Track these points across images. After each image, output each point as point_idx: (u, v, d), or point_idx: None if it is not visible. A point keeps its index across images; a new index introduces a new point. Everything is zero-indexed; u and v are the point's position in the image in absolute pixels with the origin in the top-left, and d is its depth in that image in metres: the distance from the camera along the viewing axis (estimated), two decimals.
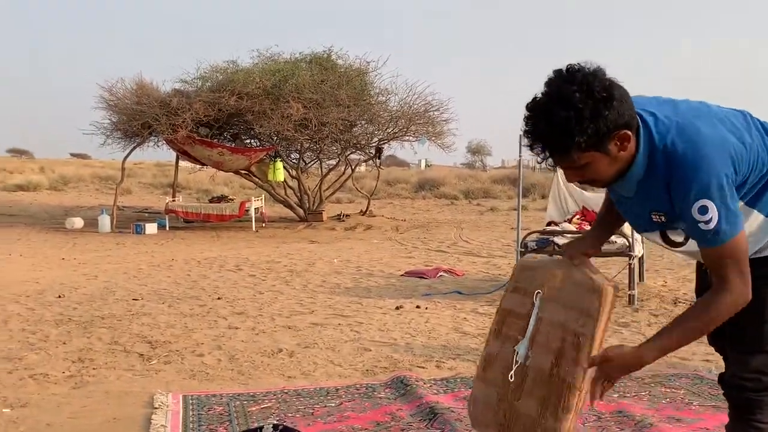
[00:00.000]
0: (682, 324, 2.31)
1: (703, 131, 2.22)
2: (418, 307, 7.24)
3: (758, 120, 2.45)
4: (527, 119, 2.20)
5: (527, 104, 2.20)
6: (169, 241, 14.19)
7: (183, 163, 19.14)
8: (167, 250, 12.57)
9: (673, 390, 4.44)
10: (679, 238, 2.42)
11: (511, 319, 2.67)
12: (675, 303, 7.34)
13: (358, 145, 18.69)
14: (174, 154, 18.28)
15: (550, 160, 2.25)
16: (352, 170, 20.07)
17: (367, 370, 4.95)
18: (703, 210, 2.15)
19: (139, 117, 16.16)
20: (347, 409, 4.05)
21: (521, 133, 2.24)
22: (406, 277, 9.48)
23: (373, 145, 18.74)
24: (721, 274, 2.24)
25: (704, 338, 2.76)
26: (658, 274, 9.32)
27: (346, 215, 18.51)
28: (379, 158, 19.54)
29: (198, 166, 18.92)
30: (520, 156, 8.18)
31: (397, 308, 7.16)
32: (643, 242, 8.10)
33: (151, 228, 15.83)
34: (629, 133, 2.18)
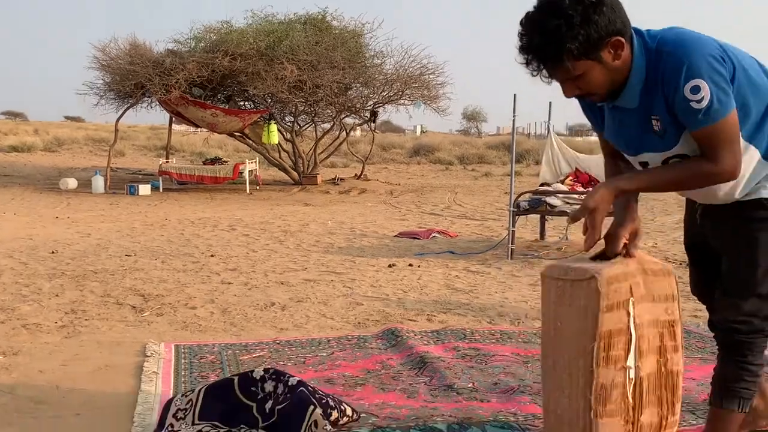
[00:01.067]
0: (660, 171, 2.37)
1: (689, 30, 2.28)
2: (410, 265, 7.28)
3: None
4: (520, 35, 2.22)
5: (520, 20, 2.22)
6: (162, 202, 14.19)
7: (177, 126, 19.11)
8: (160, 211, 12.57)
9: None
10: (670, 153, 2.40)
11: (615, 340, 2.45)
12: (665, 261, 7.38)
13: (353, 108, 18.62)
14: (167, 116, 18.22)
15: (546, 75, 2.26)
16: (347, 134, 20.02)
17: (359, 323, 4.99)
18: (695, 89, 2.17)
19: (132, 77, 16.09)
20: (339, 358, 4.10)
21: (517, 49, 2.24)
22: (399, 237, 9.51)
23: (368, 108, 18.68)
24: (713, 151, 2.25)
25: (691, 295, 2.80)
26: (648, 236, 9.37)
27: (341, 179, 18.50)
28: (374, 122, 19.48)
29: (192, 129, 18.87)
30: (514, 115, 8.16)
31: (389, 266, 7.20)
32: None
33: (144, 189, 15.82)
34: (622, 39, 2.21)
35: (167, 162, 18.00)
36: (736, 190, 2.41)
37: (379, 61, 17.94)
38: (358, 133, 28.36)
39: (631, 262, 2.46)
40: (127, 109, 17.47)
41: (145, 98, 17.36)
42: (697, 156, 2.31)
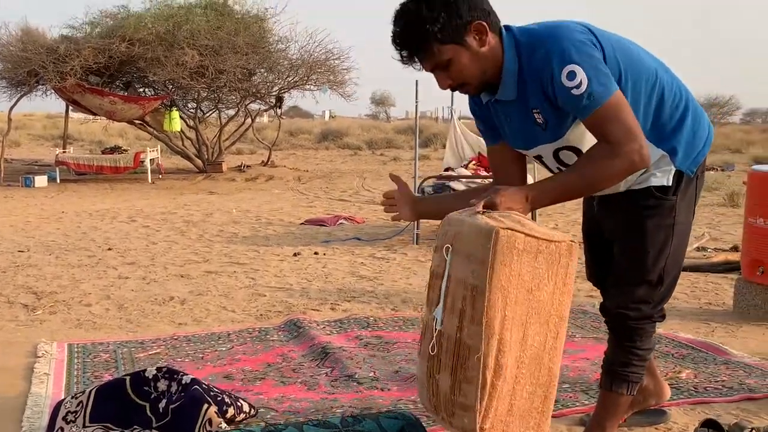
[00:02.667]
0: (567, 176, 2.31)
1: (558, 21, 2.31)
2: (316, 253, 7.25)
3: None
4: (392, 23, 2.26)
5: (392, 14, 2.27)
6: (59, 194, 13.73)
7: (74, 114, 18.51)
8: (57, 203, 12.17)
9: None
10: (572, 159, 2.41)
11: (433, 281, 2.35)
12: None
13: (258, 94, 18.36)
14: (64, 104, 17.62)
15: (418, 64, 2.29)
16: (252, 120, 19.76)
17: (261, 315, 4.95)
18: (572, 75, 2.16)
19: (24, 64, 15.45)
20: (238, 352, 4.05)
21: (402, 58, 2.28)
22: (306, 225, 9.47)
23: (274, 94, 18.46)
24: (608, 137, 2.21)
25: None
26: (549, 217, 9.60)
27: (247, 166, 18.26)
28: (280, 107, 19.30)
29: (90, 117, 18.28)
30: (416, 101, 8.21)
31: (294, 255, 7.16)
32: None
33: (41, 181, 15.27)
34: (484, 24, 2.22)
35: (64, 152, 17.42)
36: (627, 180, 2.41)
37: (283, 46, 17.74)
38: (265, 119, 28.10)
39: (488, 217, 2.17)
40: (21, 97, 16.79)
41: (40, 86, 16.73)
42: (597, 148, 2.26)
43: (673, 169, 2.45)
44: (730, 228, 8.86)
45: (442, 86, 2.32)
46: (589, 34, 2.27)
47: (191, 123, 18.53)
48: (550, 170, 2.54)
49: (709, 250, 7.24)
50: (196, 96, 18.09)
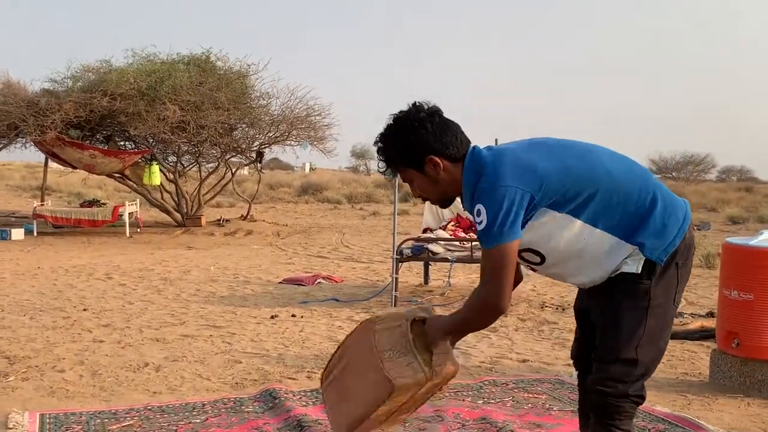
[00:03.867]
0: (460, 314, 2.66)
1: (507, 158, 2.58)
2: (293, 315, 7.22)
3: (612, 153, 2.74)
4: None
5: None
6: (36, 248, 13.62)
7: (53, 165, 18.45)
8: (34, 257, 12.06)
9: (536, 396, 4.60)
10: (536, 258, 2.66)
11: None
12: (542, 307, 7.61)
13: (239, 149, 18.45)
14: (43, 155, 17.58)
15: (389, 171, 2.76)
16: (233, 174, 19.80)
17: (236, 383, 4.90)
18: (478, 212, 2.49)
19: (5, 117, 15.43)
20: (213, 425, 4.00)
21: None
22: (284, 284, 9.43)
23: (254, 149, 18.55)
24: (485, 277, 2.55)
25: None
26: (528, 278, 9.62)
27: (226, 220, 18.24)
28: (261, 162, 19.36)
29: (69, 169, 18.22)
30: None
31: (272, 317, 7.12)
32: None
33: (17, 233, 15.15)
34: (436, 158, 2.61)
35: (42, 204, 17.30)
36: (600, 273, 2.66)
37: (265, 102, 17.88)
38: (245, 171, 28.09)
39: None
40: (0, 150, 16.76)
41: (19, 139, 16.70)
42: (474, 291, 2.63)
43: (643, 259, 2.60)
44: (706, 291, 8.93)
45: (414, 195, 2.79)
46: (526, 173, 2.52)
47: (171, 176, 18.53)
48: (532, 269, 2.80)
49: (685, 315, 7.27)
50: (176, 150, 18.10)
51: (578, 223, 2.57)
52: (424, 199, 2.80)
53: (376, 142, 2.72)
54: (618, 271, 2.62)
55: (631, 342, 2.61)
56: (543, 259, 2.65)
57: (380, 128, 2.70)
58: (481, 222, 2.47)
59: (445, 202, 2.77)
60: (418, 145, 2.61)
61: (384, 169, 2.77)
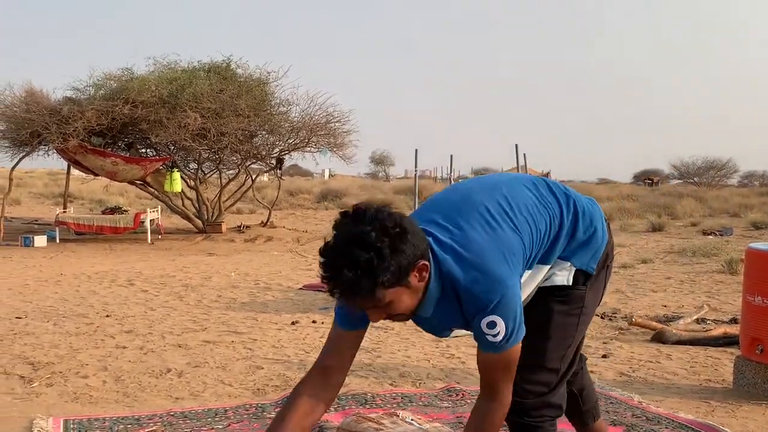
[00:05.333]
0: None
1: (483, 246, 2.31)
2: (314, 321, 7.23)
3: (550, 183, 2.63)
4: (325, 266, 2.15)
5: (321, 250, 2.18)
6: (59, 255, 13.75)
7: (75, 172, 18.60)
8: (56, 264, 12.17)
9: None
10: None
11: None
12: None
13: (259, 156, 18.53)
14: (65, 163, 17.74)
15: (354, 304, 2.23)
16: (253, 180, 19.90)
17: (258, 389, 4.91)
18: (492, 325, 2.25)
19: (28, 125, 15.60)
20: (235, 430, 4.01)
21: (321, 279, 2.18)
22: (304, 290, 9.45)
23: (274, 155, 18.63)
24: (495, 384, 2.36)
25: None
26: None
27: (247, 226, 18.33)
28: (280, 169, 19.44)
29: (91, 176, 18.39)
30: (416, 170, 8.29)
31: (292, 323, 7.14)
32: None
33: (40, 240, 15.30)
34: (426, 263, 2.23)
35: (64, 212, 17.48)
36: (528, 292, 2.52)
37: (284, 109, 17.94)
38: (265, 178, 28.20)
39: None
40: (23, 158, 16.91)
41: (42, 146, 16.86)
42: (481, 406, 2.40)
43: (574, 269, 2.56)
44: (729, 297, 8.85)
45: (375, 320, 2.33)
46: (515, 267, 2.33)
47: (192, 183, 18.65)
48: None
49: (708, 321, 7.23)
50: (197, 157, 18.23)
51: (526, 273, 2.46)
52: (391, 319, 2.36)
53: (336, 270, 2.11)
54: (547, 283, 2.55)
55: (558, 351, 2.57)
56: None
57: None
58: (497, 333, 2.25)
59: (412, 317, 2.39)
60: (410, 253, 2.16)
61: (348, 300, 2.20)
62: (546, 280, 2.54)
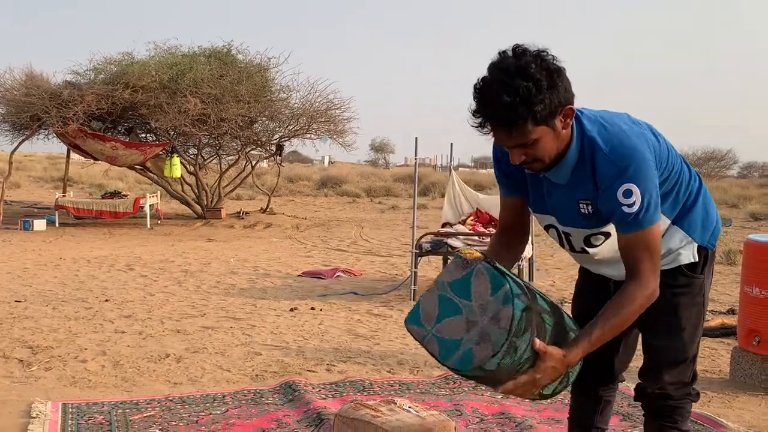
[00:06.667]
0: (603, 323, 2.29)
1: (624, 127, 2.33)
2: (312, 308, 7.24)
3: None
4: (482, 95, 2.19)
5: (476, 84, 2.20)
6: (58, 239, 13.74)
7: (75, 157, 18.58)
8: (56, 248, 12.18)
9: None
10: (599, 241, 2.47)
11: None
12: (562, 303, 7.58)
13: (259, 142, 18.51)
14: (65, 147, 17.71)
15: (503, 136, 2.24)
16: (252, 167, 19.88)
17: (256, 375, 4.92)
18: (628, 193, 2.22)
19: (28, 109, 15.58)
20: (233, 416, 4.03)
21: (471, 111, 2.22)
22: (303, 277, 9.46)
23: (274, 142, 18.60)
24: (636, 265, 2.29)
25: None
26: (547, 273, 9.60)
27: (246, 213, 18.33)
28: (280, 155, 19.41)
29: (90, 160, 18.36)
30: (416, 158, 8.28)
31: (291, 310, 7.15)
32: (532, 243, 8.34)
33: (39, 224, 15.29)
34: (573, 108, 2.25)
35: (64, 196, 17.45)
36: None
37: (285, 95, 17.92)
38: (265, 164, 28.16)
39: None
40: (22, 141, 16.89)
41: (42, 130, 16.83)
42: (623, 290, 2.31)
43: (696, 245, 2.52)
44: (726, 288, 8.86)
45: (516, 161, 2.32)
46: (652, 154, 2.32)
47: (191, 169, 18.62)
48: (567, 243, 2.56)
49: None
50: (197, 142, 18.19)
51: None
52: (529, 164, 2.33)
53: (495, 96, 2.15)
54: (671, 264, 2.51)
55: (694, 340, 2.57)
56: (604, 241, 2.47)
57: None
58: (633, 203, 2.22)
59: (551, 167, 2.35)
60: (562, 92, 2.19)
61: (496, 130, 2.23)
62: (673, 260, 2.51)
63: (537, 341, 2.18)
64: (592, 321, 2.31)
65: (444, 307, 2.24)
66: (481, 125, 2.22)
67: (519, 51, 2.18)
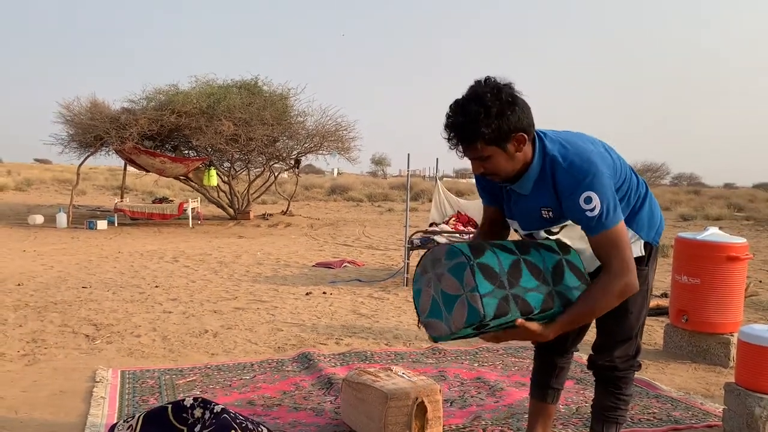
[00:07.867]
0: (577, 308, 2.24)
1: (581, 146, 2.30)
2: (324, 293, 7.24)
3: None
4: (448, 114, 2.20)
5: (450, 104, 2.21)
6: (117, 236, 13.72)
7: (131, 169, 18.53)
8: (115, 244, 12.16)
9: (521, 360, 4.60)
10: (555, 229, 2.43)
11: None
12: None
13: (280, 157, 18.48)
14: (122, 161, 17.69)
15: (460, 151, 2.23)
16: (275, 177, 19.85)
17: (278, 347, 4.93)
18: (588, 200, 2.18)
19: (92, 131, 15.57)
20: (260, 381, 4.03)
21: (443, 126, 2.22)
22: (316, 267, 9.46)
23: (293, 157, 18.58)
24: (608, 261, 2.22)
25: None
26: None
27: (270, 214, 18.30)
28: (298, 168, 19.39)
29: (143, 172, 18.33)
30: (408, 170, 8.28)
31: (306, 294, 7.15)
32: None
33: (102, 224, 15.26)
34: (525, 136, 2.20)
35: (122, 201, 17.43)
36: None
37: (302, 119, 17.89)
38: (285, 175, 28.14)
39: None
40: (88, 157, 16.85)
41: (103, 148, 16.81)
42: (598, 280, 2.25)
43: (643, 242, 2.49)
44: (660, 276, 8.85)
45: (475, 171, 2.30)
46: (610, 168, 2.28)
47: (225, 179, 18.60)
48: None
49: None
50: (230, 157, 18.17)
51: None
52: (488, 176, 2.31)
53: (454, 115, 2.17)
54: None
55: (639, 321, 2.55)
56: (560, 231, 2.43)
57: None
58: (594, 208, 2.17)
59: (509, 181, 2.34)
60: (513, 121, 2.15)
61: (454, 143, 2.21)
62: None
63: (519, 320, 2.15)
64: (573, 304, 2.25)
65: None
66: (448, 139, 2.22)
67: (484, 81, 2.18)
